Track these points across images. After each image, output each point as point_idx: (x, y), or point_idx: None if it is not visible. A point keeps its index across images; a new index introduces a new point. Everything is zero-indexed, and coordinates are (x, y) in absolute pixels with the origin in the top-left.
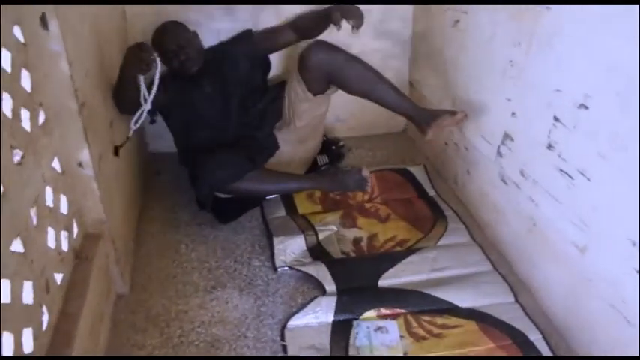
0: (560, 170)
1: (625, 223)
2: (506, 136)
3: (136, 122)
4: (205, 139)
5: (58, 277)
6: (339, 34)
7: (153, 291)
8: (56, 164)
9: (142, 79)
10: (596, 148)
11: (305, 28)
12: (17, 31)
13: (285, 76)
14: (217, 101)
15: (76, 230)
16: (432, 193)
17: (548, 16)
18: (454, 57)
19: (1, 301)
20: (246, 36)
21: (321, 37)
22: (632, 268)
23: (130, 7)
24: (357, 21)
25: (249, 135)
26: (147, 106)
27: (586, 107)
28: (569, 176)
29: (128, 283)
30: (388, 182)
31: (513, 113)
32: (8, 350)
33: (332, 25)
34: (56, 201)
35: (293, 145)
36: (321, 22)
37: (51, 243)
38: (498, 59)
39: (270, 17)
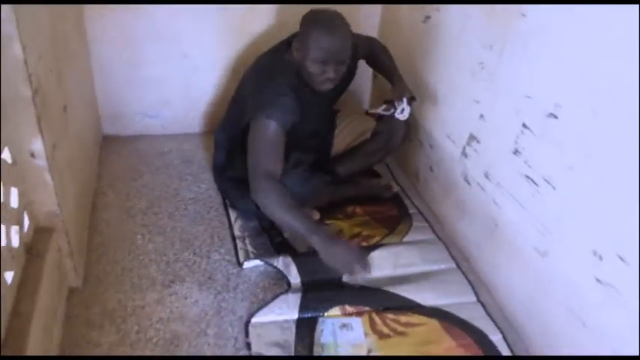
0: (526, 176)
1: (587, 233)
2: (472, 138)
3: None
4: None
5: (9, 275)
6: None
7: (108, 285)
8: (6, 154)
9: None
10: (562, 157)
11: (375, 64)
12: None
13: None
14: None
15: (27, 224)
16: (395, 188)
17: (523, 22)
18: (424, 53)
19: None
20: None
21: None
22: (592, 277)
23: None
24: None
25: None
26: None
27: (555, 117)
28: (534, 183)
29: (82, 277)
30: None
31: (481, 115)
32: None
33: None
34: (6, 194)
35: None
36: (388, 79)
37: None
38: (469, 60)
39: None
